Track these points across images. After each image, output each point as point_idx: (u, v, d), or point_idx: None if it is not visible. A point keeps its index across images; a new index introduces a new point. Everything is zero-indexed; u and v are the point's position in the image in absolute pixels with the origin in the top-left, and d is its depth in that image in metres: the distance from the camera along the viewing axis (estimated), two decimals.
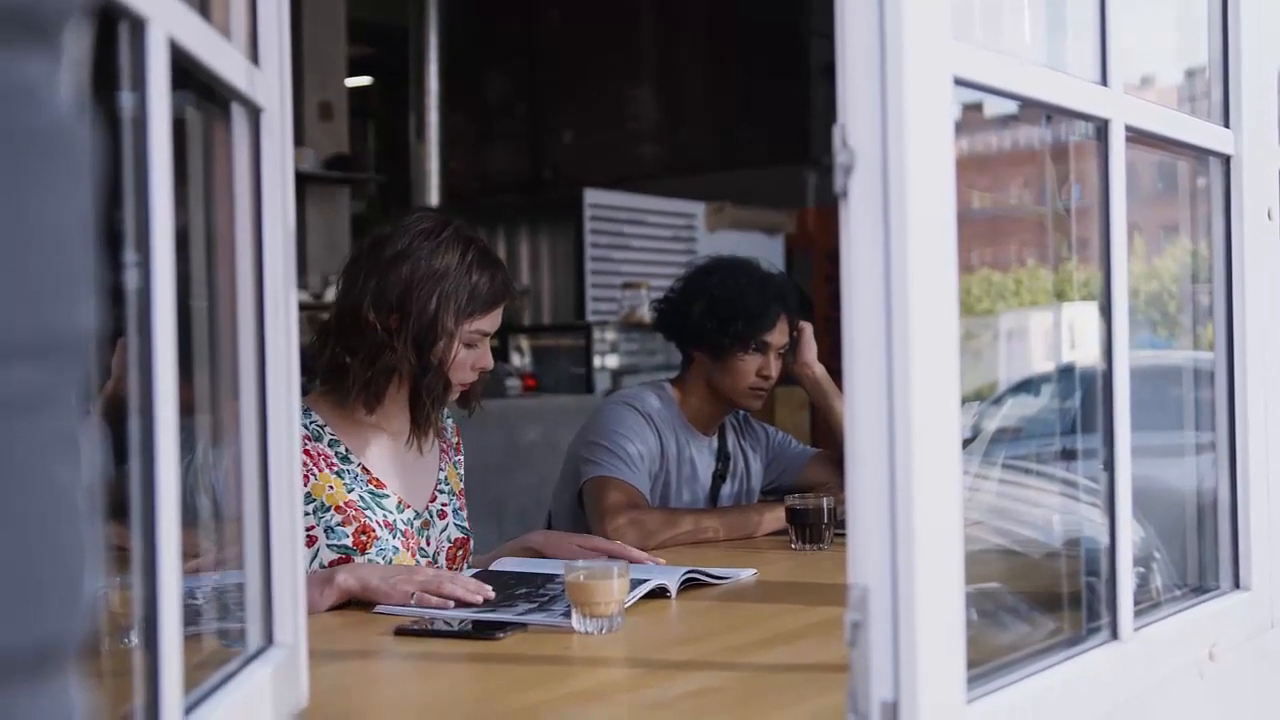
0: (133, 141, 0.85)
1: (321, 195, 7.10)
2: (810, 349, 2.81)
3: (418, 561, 2.10)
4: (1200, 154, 1.64)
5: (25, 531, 0.52)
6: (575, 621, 1.67)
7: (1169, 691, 1.47)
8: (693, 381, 2.76)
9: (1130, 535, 1.35)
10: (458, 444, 2.30)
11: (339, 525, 2.02)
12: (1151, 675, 1.42)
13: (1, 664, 0.51)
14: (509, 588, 1.91)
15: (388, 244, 2.05)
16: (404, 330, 2.02)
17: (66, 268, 0.54)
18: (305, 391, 2.07)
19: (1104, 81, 1.35)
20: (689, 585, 1.99)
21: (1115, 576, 1.34)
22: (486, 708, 1.40)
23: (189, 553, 0.99)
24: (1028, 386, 2.40)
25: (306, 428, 2.05)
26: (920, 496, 1.00)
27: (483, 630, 1.67)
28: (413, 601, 1.82)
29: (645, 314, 6.47)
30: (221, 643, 1.23)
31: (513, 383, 5.94)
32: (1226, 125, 1.63)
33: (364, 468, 2.09)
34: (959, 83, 1.08)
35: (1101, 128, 1.35)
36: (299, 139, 6.76)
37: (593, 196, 7.40)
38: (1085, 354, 1.53)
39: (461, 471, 2.28)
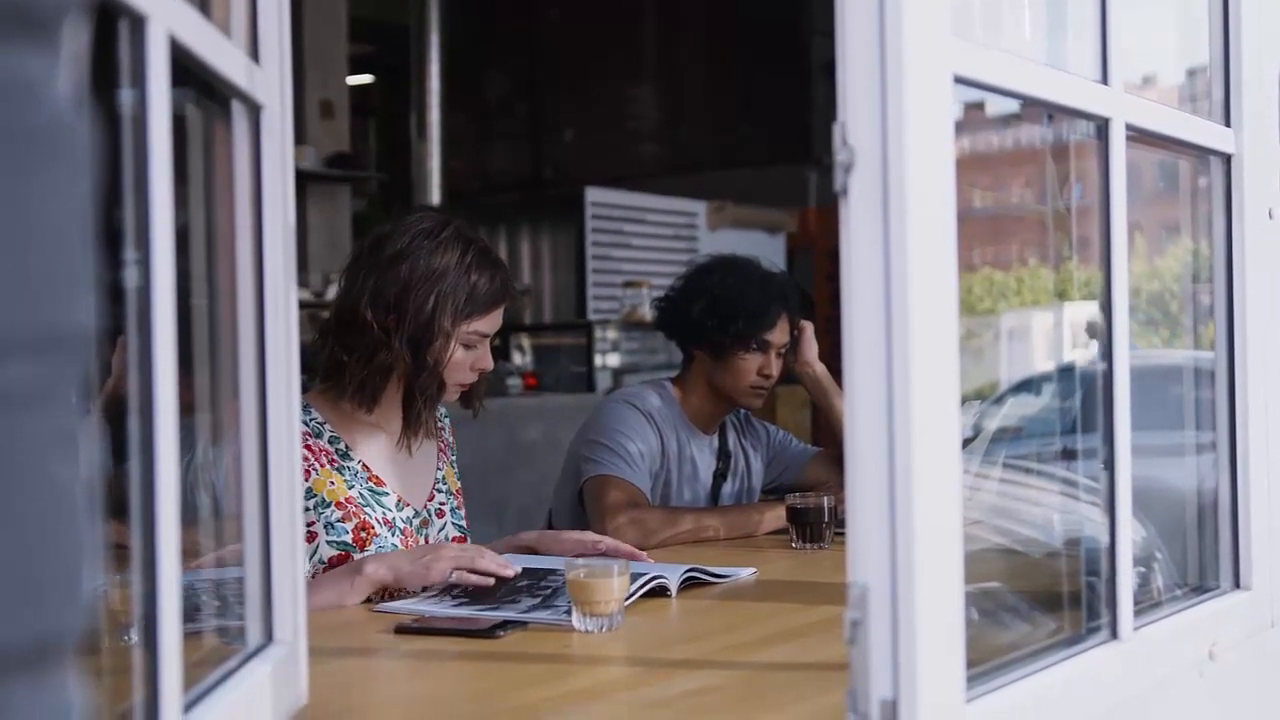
0: (132, 139, 0.85)
1: (322, 193, 7.10)
2: (811, 348, 2.81)
3: None
4: (1201, 153, 1.64)
5: (23, 528, 0.52)
6: (575, 620, 1.67)
7: (1169, 691, 1.47)
8: (693, 380, 2.76)
9: (1130, 534, 1.35)
10: (452, 443, 2.30)
11: (339, 521, 2.02)
12: (1151, 675, 1.42)
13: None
14: (512, 581, 1.91)
15: (388, 243, 2.05)
16: (400, 329, 2.02)
17: (65, 264, 0.54)
18: (305, 389, 2.08)
19: (1104, 80, 1.34)
20: (689, 584, 1.99)
21: (1115, 576, 1.34)
22: (486, 705, 1.40)
23: (189, 551, 0.99)
24: (1029, 386, 2.40)
25: (306, 425, 2.05)
26: (920, 495, 1.00)
27: (482, 628, 1.67)
28: (452, 578, 1.84)
29: (646, 313, 6.48)
30: (221, 640, 1.23)
31: (514, 381, 5.94)
32: (1227, 124, 1.63)
33: (364, 465, 2.09)
34: (959, 81, 1.08)
35: (1102, 127, 1.35)
36: (300, 137, 6.77)
37: (594, 195, 7.40)
38: (1086, 353, 1.53)
39: (457, 470, 2.29)
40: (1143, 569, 1.53)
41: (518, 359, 6.79)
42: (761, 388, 2.71)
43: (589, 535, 2.17)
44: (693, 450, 2.75)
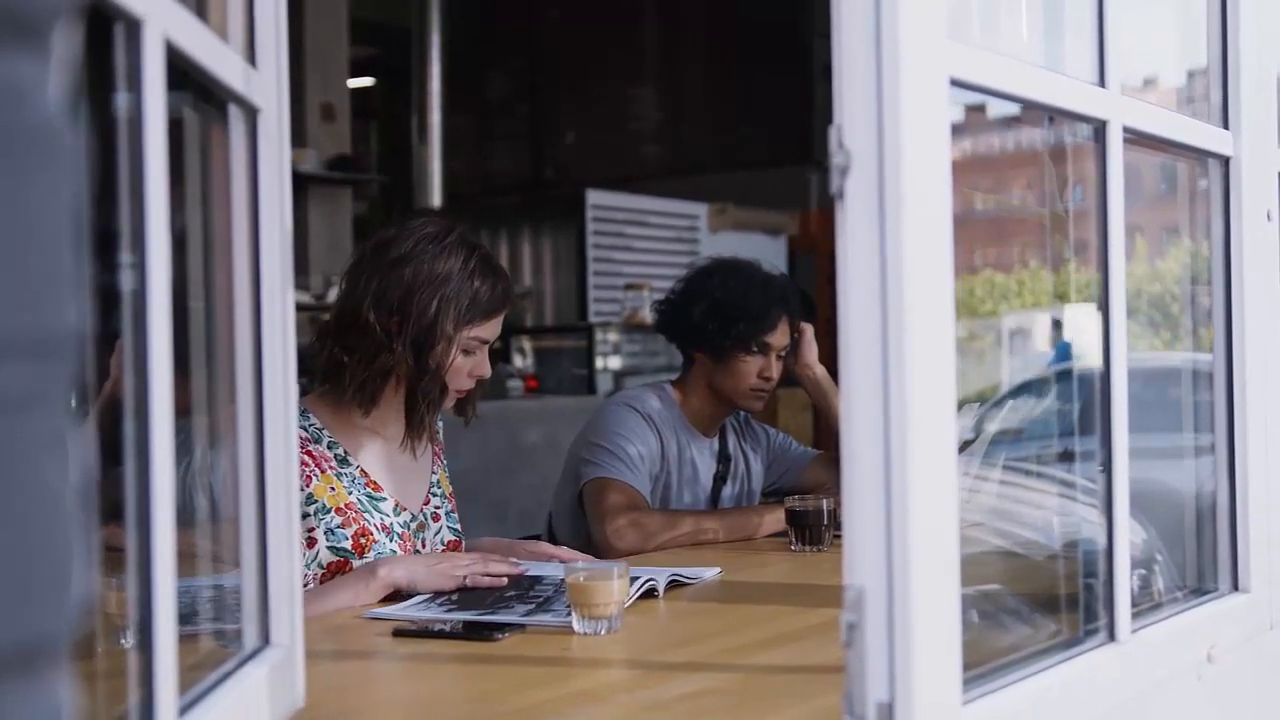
0: (128, 142, 0.85)
1: (323, 196, 7.11)
2: (811, 350, 2.80)
3: None
4: (1199, 155, 1.64)
5: (14, 529, 0.52)
6: (574, 622, 1.67)
7: (1167, 693, 1.47)
8: (694, 383, 2.76)
9: (1127, 536, 1.35)
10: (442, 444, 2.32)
11: (339, 527, 2.02)
12: (1149, 677, 1.42)
13: None
14: (500, 590, 1.91)
15: (391, 246, 2.06)
16: (403, 332, 2.03)
17: (56, 266, 0.55)
18: (304, 392, 2.08)
19: (1102, 83, 1.34)
20: (668, 586, 2.00)
21: (1113, 578, 1.34)
22: (485, 708, 1.40)
23: (186, 554, 0.99)
24: (1029, 388, 2.41)
25: (305, 430, 2.05)
26: (916, 497, 1.00)
27: (481, 631, 1.67)
28: (467, 583, 1.90)
29: (647, 315, 6.47)
30: (218, 643, 1.23)
31: (515, 384, 5.94)
32: (1226, 127, 1.63)
33: (362, 470, 2.09)
34: (955, 84, 1.08)
35: (1099, 129, 1.35)
36: (301, 140, 6.77)
37: (595, 197, 7.40)
38: (1086, 356, 1.53)
39: (449, 474, 2.30)
40: (1143, 571, 1.53)
41: (519, 361, 6.78)
42: (762, 390, 2.71)
43: (544, 547, 2.23)
44: (693, 453, 2.75)
